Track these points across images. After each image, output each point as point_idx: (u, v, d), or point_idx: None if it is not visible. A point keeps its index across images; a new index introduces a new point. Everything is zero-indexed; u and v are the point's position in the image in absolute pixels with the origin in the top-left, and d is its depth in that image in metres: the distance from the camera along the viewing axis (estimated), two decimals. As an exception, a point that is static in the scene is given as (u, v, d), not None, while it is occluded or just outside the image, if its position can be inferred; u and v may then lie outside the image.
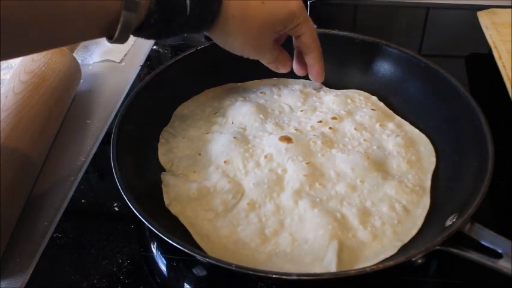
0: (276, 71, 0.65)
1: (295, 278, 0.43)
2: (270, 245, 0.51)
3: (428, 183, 0.57)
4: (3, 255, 0.53)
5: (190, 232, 0.52)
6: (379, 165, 0.58)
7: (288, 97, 0.69)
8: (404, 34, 0.92)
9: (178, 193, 0.55)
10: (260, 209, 0.54)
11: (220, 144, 0.61)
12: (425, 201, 0.55)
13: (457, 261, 0.50)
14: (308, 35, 0.61)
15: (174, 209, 0.54)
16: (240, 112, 0.66)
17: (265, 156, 0.59)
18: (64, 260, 0.53)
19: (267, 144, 0.60)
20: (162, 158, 0.61)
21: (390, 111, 0.67)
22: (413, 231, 0.52)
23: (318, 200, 0.54)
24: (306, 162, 0.57)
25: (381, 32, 0.81)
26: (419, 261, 0.45)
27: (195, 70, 0.69)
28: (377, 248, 0.50)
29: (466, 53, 0.82)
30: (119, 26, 0.46)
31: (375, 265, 0.47)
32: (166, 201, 0.55)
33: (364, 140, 0.62)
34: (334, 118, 0.64)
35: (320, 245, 0.50)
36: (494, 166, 0.50)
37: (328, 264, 0.48)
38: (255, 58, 0.61)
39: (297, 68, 0.66)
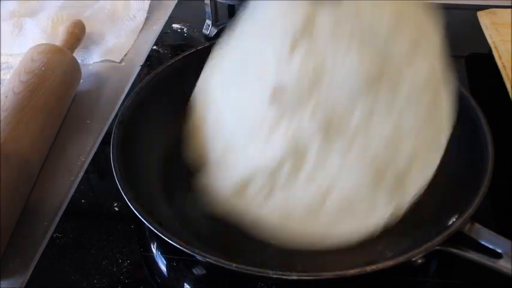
0: None
1: (295, 277, 0.43)
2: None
3: None
4: (3, 255, 0.53)
5: None
6: None
7: None
8: (404, 34, 0.91)
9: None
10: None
11: None
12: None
13: (457, 261, 0.50)
14: None
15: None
16: None
17: None
18: (64, 260, 0.53)
19: None
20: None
21: None
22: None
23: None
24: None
25: (381, 32, 0.80)
26: (419, 261, 0.45)
27: (195, 70, 0.69)
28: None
29: (466, 53, 0.82)
30: None
31: (374, 265, 0.47)
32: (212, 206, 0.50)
33: None
34: None
35: (368, 188, 0.48)
36: (494, 166, 0.50)
37: (384, 207, 0.47)
38: None
39: None
